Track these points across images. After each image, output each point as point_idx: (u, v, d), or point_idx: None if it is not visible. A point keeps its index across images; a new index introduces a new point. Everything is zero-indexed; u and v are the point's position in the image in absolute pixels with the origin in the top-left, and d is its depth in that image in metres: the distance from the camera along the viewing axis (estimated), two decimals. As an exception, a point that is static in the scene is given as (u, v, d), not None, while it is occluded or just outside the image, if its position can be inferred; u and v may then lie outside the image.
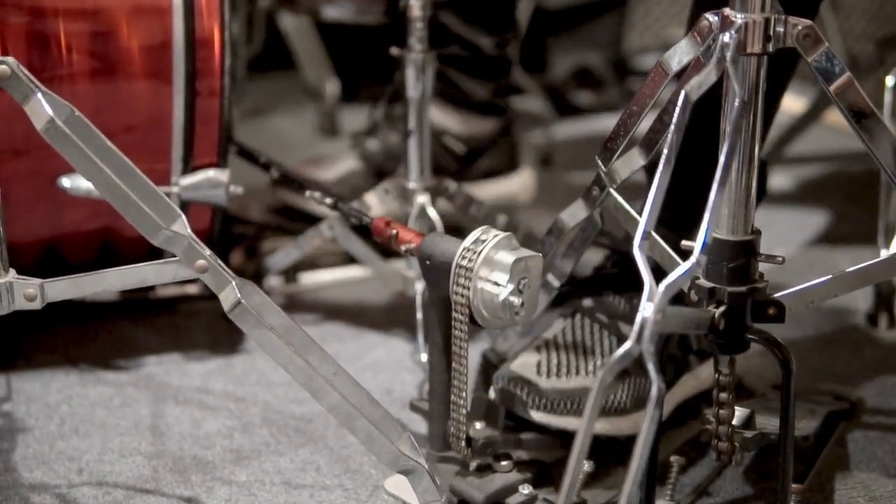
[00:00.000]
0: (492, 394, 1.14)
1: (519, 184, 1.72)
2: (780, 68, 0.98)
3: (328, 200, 1.33)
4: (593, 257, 1.26)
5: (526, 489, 1.05)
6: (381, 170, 1.60)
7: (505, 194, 1.69)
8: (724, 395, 1.00)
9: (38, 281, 0.96)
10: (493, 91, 1.69)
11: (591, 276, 1.23)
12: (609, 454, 1.08)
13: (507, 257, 1.00)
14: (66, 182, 1.20)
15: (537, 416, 1.10)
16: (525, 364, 1.14)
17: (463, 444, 1.05)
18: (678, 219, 1.15)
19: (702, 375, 1.19)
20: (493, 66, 1.68)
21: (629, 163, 1.02)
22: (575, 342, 1.16)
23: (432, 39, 1.36)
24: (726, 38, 0.90)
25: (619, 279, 1.20)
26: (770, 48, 0.91)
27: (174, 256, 0.97)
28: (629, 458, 0.79)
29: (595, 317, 1.18)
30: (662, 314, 0.81)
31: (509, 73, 1.73)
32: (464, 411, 1.04)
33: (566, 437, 1.09)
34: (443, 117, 1.65)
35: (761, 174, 1.25)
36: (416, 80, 1.36)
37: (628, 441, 1.09)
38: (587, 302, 1.20)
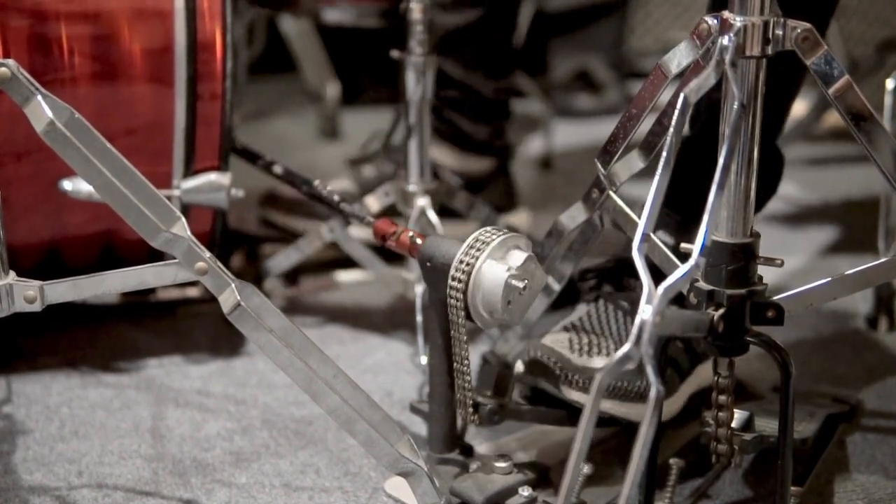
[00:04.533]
0: (519, 366, 1.13)
1: (513, 223, 1.71)
2: (788, 72, 0.99)
3: (335, 198, 1.32)
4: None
5: (526, 491, 1.05)
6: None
7: None
8: (723, 398, 1.00)
9: (37, 283, 0.96)
10: (490, 133, 1.70)
11: (611, 261, 1.24)
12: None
13: (521, 252, 1.02)
14: (66, 185, 1.20)
15: (568, 392, 1.10)
16: (557, 340, 1.14)
17: (470, 410, 1.05)
18: (684, 222, 1.15)
19: None
20: (492, 109, 1.69)
21: (629, 165, 1.03)
22: (601, 325, 1.16)
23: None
24: (725, 40, 0.90)
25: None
26: (769, 51, 0.91)
27: (175, 259, 0.97)
28: (629, 460, 0.79)
29: (617, 303, 1.18)
30: (661, 317, 0.81)
31: (508, 115, 1.73)
32: (469, 378, 1.04)
33: (574, 410, 1.09)
34: (439, 153, 1.64)
35: (778, 168, 1.25)
36: (415, 83, 1.36)
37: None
38: (608, 288, 1.20)
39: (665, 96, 0.98)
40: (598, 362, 1.11)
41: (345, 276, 1.57)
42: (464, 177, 1.65)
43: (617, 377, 1.10)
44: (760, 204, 1.24)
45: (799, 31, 0.91)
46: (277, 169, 1.42)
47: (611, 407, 1.10)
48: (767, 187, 1.25)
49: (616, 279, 1.21)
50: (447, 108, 1.63)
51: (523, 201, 1.75)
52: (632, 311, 1.17)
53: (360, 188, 1.63)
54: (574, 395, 1.10)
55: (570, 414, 1.11)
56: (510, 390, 1.12)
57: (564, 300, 1.22)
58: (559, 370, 1.10)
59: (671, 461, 1.05)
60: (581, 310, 1.20)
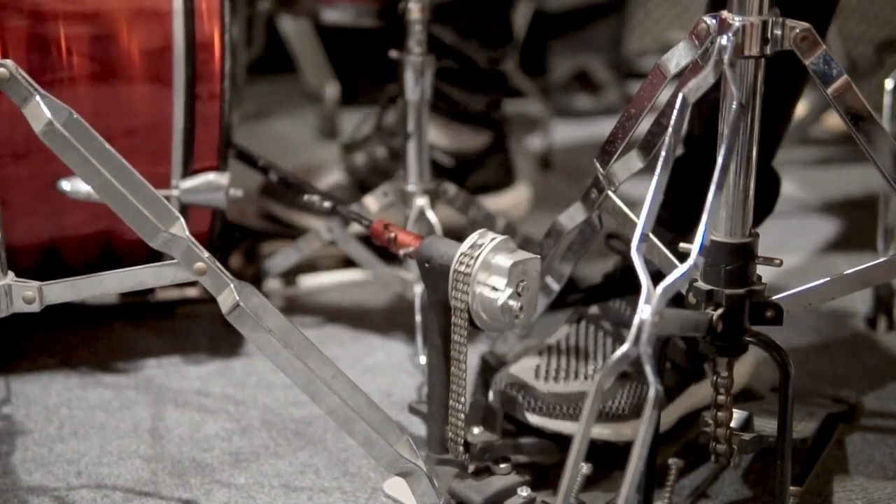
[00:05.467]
0: (491, 396, 1.14)
1: (512, 200, 1.70)
2: (789, 73, 0.98)
3: (326, 204, 1.33)
4: (604, 265, 1.27)
5: (524, 492, 1.05)
6: (364, 184, 1.60)
7: (496, 210, 1.66)
8: (722, 398, 1.00)
9: (36, 283, 0.96)
10: (486, 104, 1.68)
11: (599, 283, 1.23)
12: (605, 461, 1.08)
13: (504, 261, 1.00)
14: (65, 185, 1.20)
15: (533, 419, 1.10)
16: (524, 367, 1.14)
17: (461, 448, 1.05)
18: (683, 221, 1.15)
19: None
20: (486, 78, 1.67)
21: (628, 165, 1.03)
22: (577, 347, 1.15)
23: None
24: (724, 40, 0.90)
25: (628, 285, 1.19)
26: (768, 51, 0.91)
27: (173, 259, 0.97)
28: (627, 461, 0.79)
29: (599, 323, 1.18)
30: (660, 316, 0.81)
31: (504, 86, 1.71)
32: (462, 416, 1.04)
33: (563, 441, 1.09)
34: (432, 132, 1.63)
35: (774, 187, 1.25)
36: (414, 84, 1.36)
37: (626, 448, 1.08)
38: (593, 309, 1.20)
39: (664, 96, 0.98)
40: (565, 386, 1.11)
41: (343, 275, 1.57)
42: (458, 155, 1.64)
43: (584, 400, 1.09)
44: (756, 221, 1.24)
45: (798, 30, 0.91)
46: (273, 177, 1.42)
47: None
48: (764, 207, 1.25)
49: (604, 299, 1.20)
50: (440, 79, 1.62)
51: (520, 175, 1.74)
52: (614, 331, 1.16)
53: (353, 177, 1.63)
54: (536, 420, 1.10)
55: (560, 445, 1.10)
56: (499, 424, 1.11)
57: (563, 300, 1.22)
58: (522, 398, 1.10)
59: (670, 461, 1.06)
60: (561, 332, 1.19)
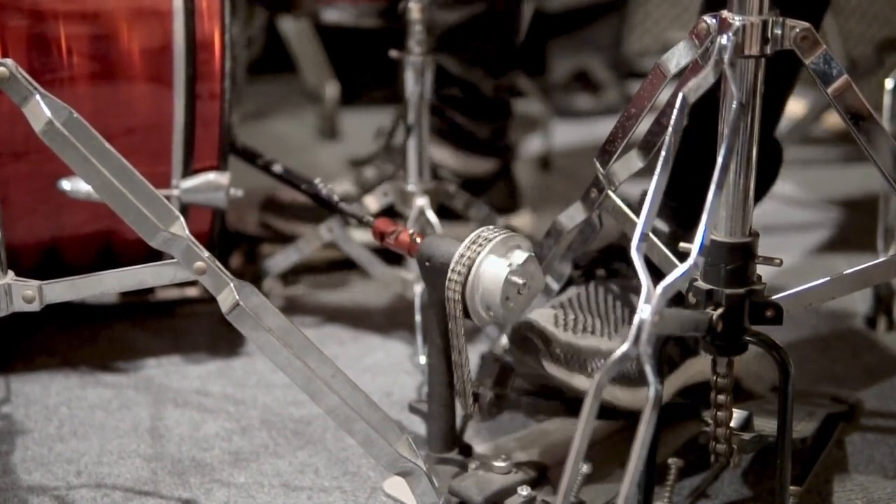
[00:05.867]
0: (503, 340, 1.13)
1: (514, 224, 1.69)
2: (783, 71, 0.99)
3: (335, 197, 1.32)
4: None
5: (524, 490, 1.05)
6: None
7: None
8: (722, 398, 1.00)
9: (36, 283, 0.96)
10: (491, 132, 1.68)
11: (604, 248, 1.23)
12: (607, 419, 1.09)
13: (522, 252, 1.02)
14: (65, 184, 1.20)
15: (549, 367, 1.09)
16: (543, 315, 1.12)
17: (470, 401, 1.05)
18: (681, 210, 1.15)
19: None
20: (492, 107, 1.67)
21: (628, 165, 1.03)
22: (590, 305, 1.15)
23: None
24: (724, 40, 0.90)
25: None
26: (768, 50, 0.91)
27: (173, 258, 0.97)
28: (627, 460, 0.79)
29: (608, 286, 1.18)
30: (660, 316, 0.81)
31: (509, 114, 1.72)
32: (467, 370, 1.04)
33: (568, 401, 1.10)
34: (439, 153, 1.63)
35: (776, 156, 1.25)
36: (414, 83, 1.36)
37: (629, 415, 1.08)
38: (600, 272, 1.20)
39: (664, 96, 0.98)
40: (583, 339, 1.11)
41: (343, 275, 1.57)
42: (465, 178, 1.64)
43: (599, 357, 1.10)
44: (761, 194, 1.24)
45: (798, 30, 0.91)
46: (277, 168, 1.42)
47: None
48: (767, 177, 1.25)
49: (609, 264, 1.21)
50: (447, 107, 1.63)
51: (524, 202, 1.75)
52: (622, 294, 1.16)
53: (361, 189, 1.63)
54: (552, 369, 1.09)
55: (569, 405, 1.11)
56: (510, 382, 1.12)
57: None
58: (541, 344, 1.09)
59: (670, 461, 1.06)
60: (571, 291, 1.19)
